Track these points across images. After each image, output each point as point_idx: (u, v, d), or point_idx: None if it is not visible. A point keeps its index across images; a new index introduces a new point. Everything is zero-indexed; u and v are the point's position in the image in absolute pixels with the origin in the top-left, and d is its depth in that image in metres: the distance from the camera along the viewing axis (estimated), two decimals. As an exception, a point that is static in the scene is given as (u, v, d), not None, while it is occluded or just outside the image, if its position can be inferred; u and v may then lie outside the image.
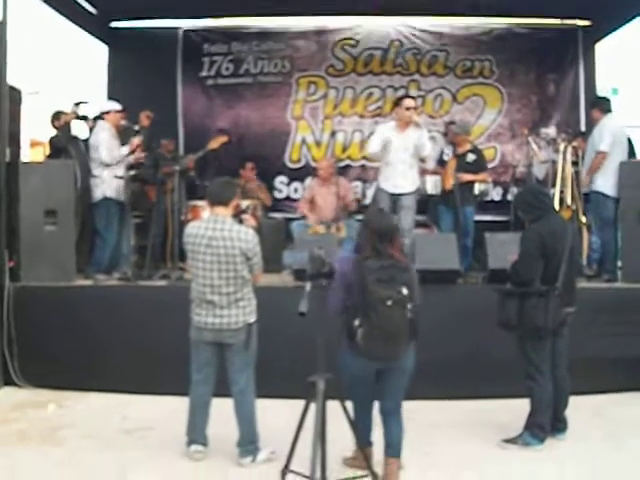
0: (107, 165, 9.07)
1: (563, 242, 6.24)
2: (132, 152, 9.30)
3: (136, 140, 9.33)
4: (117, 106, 9.47)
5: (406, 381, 5.45)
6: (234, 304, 5.83)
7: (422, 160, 9.27)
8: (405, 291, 5.15)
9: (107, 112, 9.36)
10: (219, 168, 11.24)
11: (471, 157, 9.88)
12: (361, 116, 12.40)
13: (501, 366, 7.33)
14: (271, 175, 12.25)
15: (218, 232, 5.78)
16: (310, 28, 12.41)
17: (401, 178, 9.04)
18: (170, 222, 9.60)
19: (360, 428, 5.41)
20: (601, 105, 9.19)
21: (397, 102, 9.30)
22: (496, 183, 11.90)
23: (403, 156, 9.00)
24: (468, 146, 10.02)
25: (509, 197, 11.60)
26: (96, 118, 9.54)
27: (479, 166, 9.93)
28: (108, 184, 9.11)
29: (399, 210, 9.03)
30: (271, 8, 11.19)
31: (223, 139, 10.17)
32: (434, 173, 9.95)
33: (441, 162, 10.19)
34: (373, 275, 5.14)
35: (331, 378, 4.88)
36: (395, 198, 9.06)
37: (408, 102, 9.08)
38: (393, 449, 5.53)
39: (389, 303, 5.07)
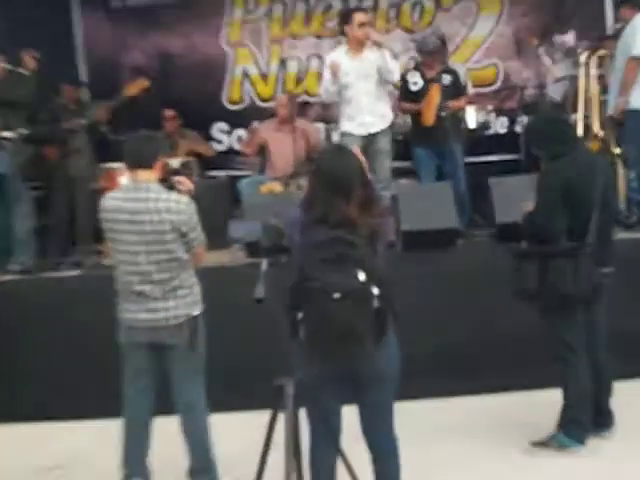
0: None
1: (593, 184, 6.23)
2: None
3: None
4: None
5: (388, 392, 4.96)
6: (171, 294, 5.80)
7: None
8: (362, 276, 4.53)
9: None
10: (137, 118, 11.21)
11: (446, 79, 9.91)
12: (318, 36, 12.25)
13: (521, 349, 7.42)
14: (206, 122, 12.21)
15: (141, 203, 5.72)
16: None
17: (368, 114, 9.09)
18: (79, 192, 9.56)
19: (312, 472, 4.99)
20: (632, 1, 9.24)
21: (345, 19, 9.25)
22: (499, 111, 11.88)
23: (365, 86, 9.03)
24: (438, 67, 10.03)
25: (517, 129, 11.62)
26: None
27: (457, 89, 10.04)
28: None
29: (373, 156, 9.05)
30: None
31: (143, 83, 10.07)
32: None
33: (408, 94, 10.05)
34: (317, 253, 4.61)
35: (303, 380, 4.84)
36: (366, 141, 9.10)
37: (360, 17, 9.09)
38: None
39: (336, 296, 4.48)
